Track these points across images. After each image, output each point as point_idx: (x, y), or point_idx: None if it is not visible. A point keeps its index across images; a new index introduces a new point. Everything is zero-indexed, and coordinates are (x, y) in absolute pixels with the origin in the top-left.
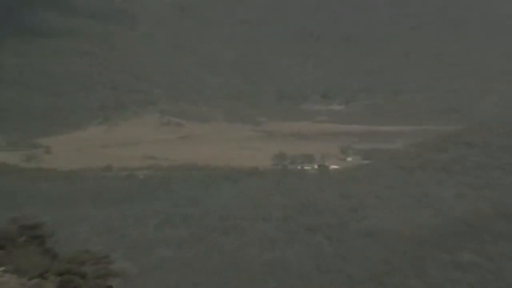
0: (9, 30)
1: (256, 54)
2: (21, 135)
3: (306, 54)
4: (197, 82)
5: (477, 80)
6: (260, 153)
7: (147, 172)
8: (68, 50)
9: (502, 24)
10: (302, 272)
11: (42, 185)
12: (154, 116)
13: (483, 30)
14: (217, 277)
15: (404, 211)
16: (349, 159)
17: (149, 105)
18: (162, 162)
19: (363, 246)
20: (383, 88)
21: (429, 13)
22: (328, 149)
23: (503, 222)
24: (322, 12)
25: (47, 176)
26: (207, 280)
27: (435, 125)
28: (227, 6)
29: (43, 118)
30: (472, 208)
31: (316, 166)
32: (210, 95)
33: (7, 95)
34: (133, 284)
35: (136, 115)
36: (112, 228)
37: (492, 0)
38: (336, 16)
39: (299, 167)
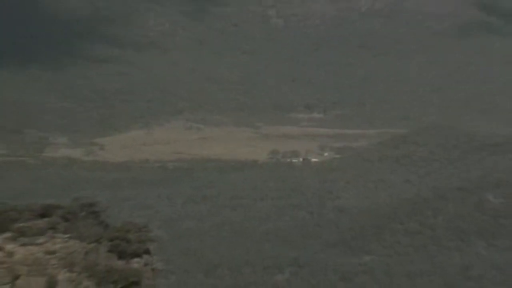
0: (72, 57)
1: (255, 76)
2: (81, 136)
3: (292, 76)
4: (211, 97)
5: (420, 95)
6: (258, 149)
7: (175, 164)
8: (113, 72)
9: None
10: (290, 239)
11: (97, 173)
12: (180, 122)
13: (420, 53)
14: (228, 242)
15: (366, 192)
16: (326, 154)
17: (176, 114)
18: (186, 156)
19: (336, 218)
20: (351, 101)
21: (383, 45)
22: (310, 146)
23: (441, 201)
24: (306, 43)
25: (101, 166)
26: (220, 244)
27: (389, 129)
28: (233, 40)
29: (98, 124)
30: (417, 191)
31: (301, 159)
32: (221, 106)
33: (69, 107)
34: (165, 248)
35: (166, 121)
36: (149, 205)
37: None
38: (317, 47)
39: (288, 160)
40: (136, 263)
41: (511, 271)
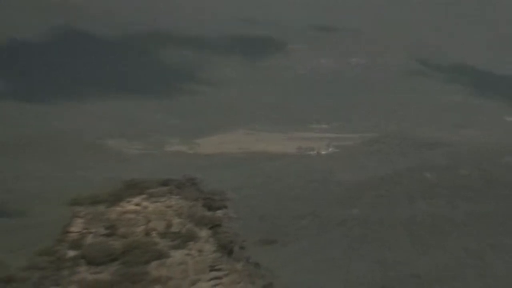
0: (177, 88)
1: (285, 103)
2: (186, 138)
3: (309, 103)
4: (259, 115)
5: (384, 115)
6: (288, 146)
7: (240, 155)
8: (201, 99)
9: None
10: (307, 200)
11: (196, 161)
12: (242, 130)
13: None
14: (271, 201)
15: (353, 172)
16: (330, 149)
17: (240, 125)
18: (246, 151)
19: (335, 187)
20: (343, 119)
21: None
22: (320, 144)
23: (398, 177)
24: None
25: (198, 156)
26: (267, 203)
27: (367, 134)
28: (272, 79)
29: (196, 131)
30: (384, 171)
31: (315, 152)
32: (265, 121)
33: (177, 121)
34: (235, 204)
35: (234, 130)
36: (225, 179)
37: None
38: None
39: (306, 153)
40: (219, 213)
41: (441, 218)
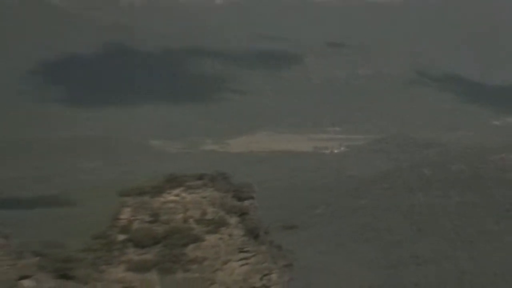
0: (214, 97)
1: (301, 109)
2: (218, 139)
3: (325, 112)
4: (282, 120)
5: (389, 114)
6: (306, 146)
7: (265, 153)
8: (234, 106)
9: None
10: (322, 191)
11: (228, 158)
12: (268, 132)
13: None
14: (290, 192)
15: (361, 167)
16: (342, 148)
17: (265, 128)
18: (271, 149)
19: (346, 180)
20: (354, 121)
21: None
22: (333, 144)
23: (399, 172)
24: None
25: (230, 154)
26: (287, 193)
27: (373, 135)
28: (295, 93)
29: (227, 133)
30: (387, 167)
31: (329, 151)
32: (287, 125)
33: (219, 125)
34: (260, 196)
35: (260, 132)
36: (252, 174)
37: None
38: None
39: (322, 151)
40: (246, 203)
41: (436, 207)
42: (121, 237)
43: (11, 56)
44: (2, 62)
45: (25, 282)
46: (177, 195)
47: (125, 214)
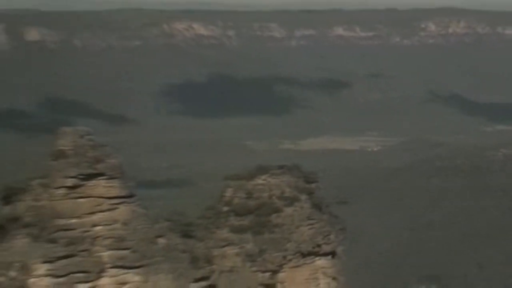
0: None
1: (349, 120)
2: (292, 140)
3: (366, 121)
4: (335, 128)
5: (410, 124)
6: (354, 146)
7: (325, 151)
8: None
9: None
10: (362, 177)
11: (300, 154)
12: (324, 138)
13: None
14: (337, 180)
15: (392, 160)
16: (378, 147)
17: (324, 134)
18: (329, 148)
19: (381, 171)
20: (386, 129)
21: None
22: (372, 144)
23: (423, 164)
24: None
25: (302, 151)
26: (337, 182)
27: (400, 138)
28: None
29: (298, 136)
30: (413, 160)
31: (369, 149)
32: (339, 131)
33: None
34: (323, 180)
35: (320, 136)
36: (314, 166)
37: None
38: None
39: (365, 149)
40: (312, 185)
41: (445, 189)
42: (225, 208)
43: (145, 82)
44: (139, 85)
45: (160, 240)
46: (264, 180)
47: (228, 193)
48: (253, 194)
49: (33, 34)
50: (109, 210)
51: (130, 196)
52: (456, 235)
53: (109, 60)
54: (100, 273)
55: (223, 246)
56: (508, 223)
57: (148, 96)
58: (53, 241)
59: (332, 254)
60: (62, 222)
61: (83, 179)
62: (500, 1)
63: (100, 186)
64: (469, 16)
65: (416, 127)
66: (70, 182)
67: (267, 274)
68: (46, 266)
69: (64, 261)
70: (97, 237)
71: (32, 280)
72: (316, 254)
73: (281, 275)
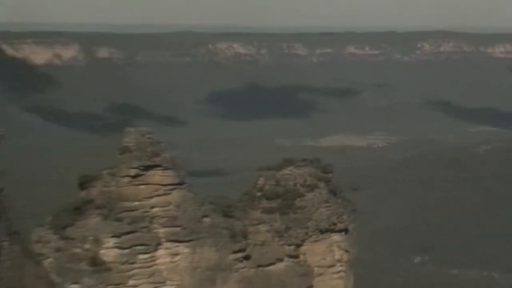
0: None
1: (359, 122)
2: (313, 138)
3: (374, 122)
4: (347, 128)
5: (412, 125)
6: (363, 143)
7: (339, 147)
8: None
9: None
10: (369, 168)
11: (319, 149)
12: (340, 135)
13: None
14: (346, 170)
15: (396, 154)
16: (384, 144)
17: (338, 133)
18: (342, 145)
19: (386, 163)
20: (390, 129)
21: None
22: (379, 141)
23: (423, 157)
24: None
25: (321, 147)
26: (351, 175)
27: (402, 137)
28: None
29: (318, 135)
30: (413, 154)
31: (376, 146)
32: (350, 131)
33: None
34: (338, 171)
35: (336, 135)
36: (332, 158)
37: None
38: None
39: (372, 146)
40: (329, 175)
41: (440, 176)
42: (258, 193)
43: (193, 91)
44: (188, 94)
45: (205, 219)
46: (290, 170)
47: (261, 181)
48: (281, 182)
49: (103, 53)
50: (164, 195)
51: (181, 183)
52: (445, 215)
53: (165, 73)
54: (157, 246)
55: (256, 224)
56: (488, 206)
57: (195, 102)
58: (119, 220)
59: (345, 230)
60: (126, 204)
61: (143, 170)
62: (482, 25)
63: (157, 175)
64: (457, 38)
65: (413, 127)
66: (133, 172)
67: (292, 247)
68: (114, 240)
69: (128, 236)
70: (155, 216)
71: (102, 251)
72: (332, 231)
73: (303, 248)
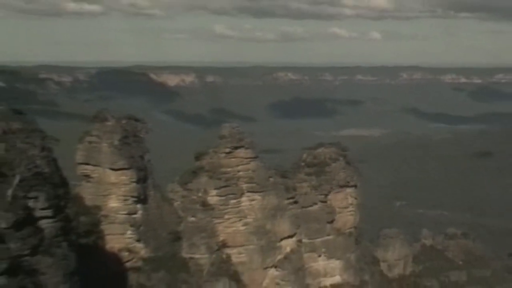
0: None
1: (364, 121)
2: (329, 132)
3: (374, 122)
4: (354, 126)
5: (402, 122)
6: (368, 134)
7: (350, 138)
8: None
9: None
10: (370, 148)
11: (335, 139)
12: (350, 130)
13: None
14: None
15: (390, 139)
16: (377, 135)
17: (350, 128)
18: (352, 135)
19: (382, 144)
20: (384, 125)
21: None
22: (379, 131)
23: (410, 142)
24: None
25: (336, 137)
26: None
27: (394, 129)
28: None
29: (334, 129)
30: (402, 142)
31: (377, 135)
32: (360, 126)
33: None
34: (350, 152)
35: (347, 130)
36: (346, 145)
37: None
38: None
39: (374, 135)
40: (345, 152)
41: (428, 158)
42: (302, 163)
43: (259, 102)
44: (254, 103)
45: (270, 178)
46: (321, 149)
47: (304, 156)
48: (316, 156)
49: (209, 78)
50: (245, 164)
51: (256, 157)
52: (415, 178)
53: (246, 92)
54: (241, 195)
55: (301, 182)
56: (442, 172)
57: (264, 108)
58: (219, 178)
59: (355, 186)
60: (223, 170)
61: (233, 149)
62: (438, 62)
63: (241, 152)
64: (423, 70)
65: (396, 124)
66: (227, 149)
67: (323, 195)
68: (216, 191)
69: (225, 189)
70: (240, 177)
71: (209, 197)
72: (347, 186)
73: (329, 196)
